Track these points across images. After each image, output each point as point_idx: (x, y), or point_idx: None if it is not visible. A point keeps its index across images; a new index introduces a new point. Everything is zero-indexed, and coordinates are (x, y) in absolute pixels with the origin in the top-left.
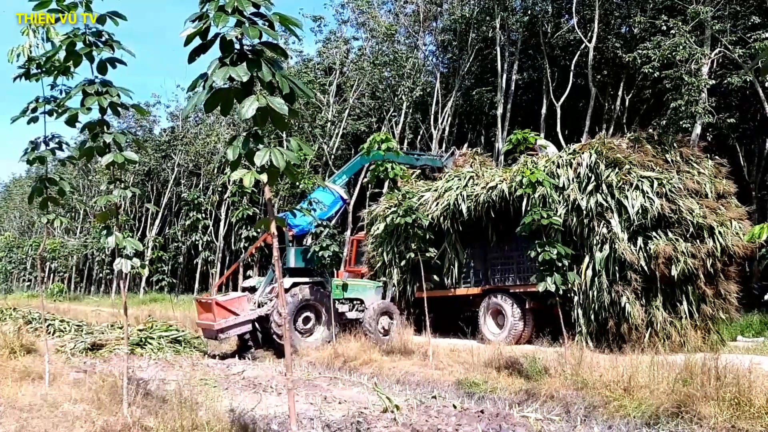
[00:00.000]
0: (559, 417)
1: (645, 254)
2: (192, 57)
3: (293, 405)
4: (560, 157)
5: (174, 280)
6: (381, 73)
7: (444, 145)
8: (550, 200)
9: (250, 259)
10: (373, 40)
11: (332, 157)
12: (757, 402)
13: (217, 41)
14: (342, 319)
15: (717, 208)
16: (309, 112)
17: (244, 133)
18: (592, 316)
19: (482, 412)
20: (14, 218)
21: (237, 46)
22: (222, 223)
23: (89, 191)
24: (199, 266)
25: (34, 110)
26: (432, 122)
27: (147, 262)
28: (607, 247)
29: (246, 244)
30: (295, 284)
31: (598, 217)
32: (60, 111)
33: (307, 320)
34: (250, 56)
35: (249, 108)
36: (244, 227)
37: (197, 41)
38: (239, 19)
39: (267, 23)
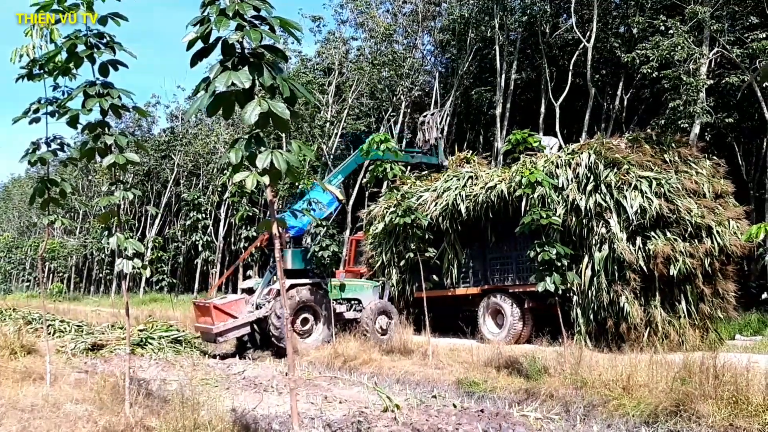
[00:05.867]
0: (558, 416)
1: (644, 254)
2: (194, 61)
3: (295, 405)
4: (559, 157)
5: (174, 280)
6: (380, 73)
7: (437, 128)
8: (549, 200)
9: (250, 260)
10: (371, 40)
11: (331, 157)
12: (754, 400)
13: (219, 45)
14: (340, 319)
15: (715, 207)
16: (308, 112)
17: (246, 136)
18: (591, 316)
19: (482, 411)
20: (13, 218)
21: (238, 49)
22: (222, 223)
23: (89, 191)
24: (199, 266)
25: (36, 111)
26: None
27: (147, 263)
28: (606, 246)
29: (245, 244)
30: (292, 286)
31: (597, 217)
32: (61, 112)
33: (305, 321)
34: (251, 59)
35: (251, 114)
36: (243, 227)
37: (199, 44)
38: (240, 22)
39: (267, 26)
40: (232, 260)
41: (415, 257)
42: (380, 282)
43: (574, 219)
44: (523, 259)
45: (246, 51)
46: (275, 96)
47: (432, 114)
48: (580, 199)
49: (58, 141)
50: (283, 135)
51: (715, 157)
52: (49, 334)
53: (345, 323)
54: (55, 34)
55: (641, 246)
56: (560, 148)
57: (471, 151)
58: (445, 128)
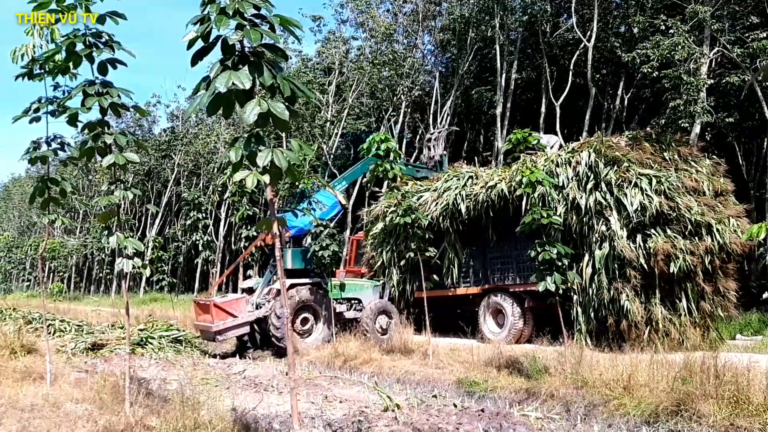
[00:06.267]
0: (559, 416)
1: (644, 252)
2: (194, 60)
3: (296, 404)
4: (559, 155)
5: (174, 280)
6: (380, 72)
7: (443, 145)
8: (550, 199)
9: (250, 259)
10: (372, 39)
11: (331, 156)
12: (755, 400)
13: (219, 43)
14: (340, 318)
15: (715, 205)
16: (308, 112)
17: (246, 135)
18: (592, 314)
19: (483, 410)
20: (13, 218)
21: (238, 48)
22: (222, 223)
23: (89, 191)
24: (199, 266)
25: (37, 110)
26: (431, 122)
27: (147, 262)
28: (606, 245)
29: (246, 244)
30: (292, 285)
31: (598, 216)
32: (61, 111)
33: (305, 321)
34: (251, 59)
35: (251, 113)
36: (244, 227)
37: (200, 43)
38: (240, 21)
39: (268, 25)
40: (233, 260)
41: (416, 257)
42: (380, 282)
43: (574, 217)
44: (523, 259)
45: (246, 50)
46: (275, 95)
47: (439, 132)
48: (581, 197)
49: (59, 140)
50: (283, 134)
51: (715, 157)
52: (49, 333)
53: (345, 323)
54: (55, 34)
55: (641, 244)
56: (561, 146)
57: (469, 160)
58: (445, 128)
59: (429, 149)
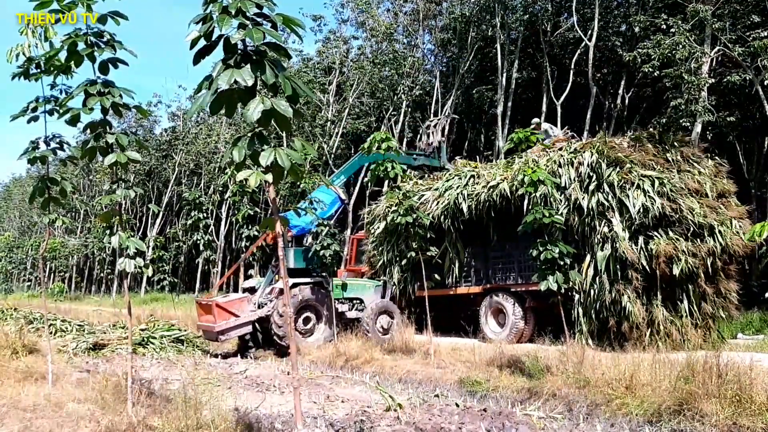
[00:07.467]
0: (561, 415)
1: (646, 253)
2: (197, 59)
3: (299, 404)
4: (561, 155)
5: (175, 280)
6: (380, 72)
7: (441, 132)
8: (551, 199)
9: (251, 259)
10: (372, 39)
11: (332, 156)
12: (758, 399)
13: (221, 42)
14: (342, 318)
15: (717, 207)
16: (309, 112)
17: (249, 134)
18: (593, 315)
19: (485, 410)
20: (14, 218)
21: (240, 46)
22: (223, 223)
23: (90, 191)
24: (200, 266)
25: (35, 110)
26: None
27: (148, 262)
28: (608, 246)
29: (247, 244)
30: (295, 285)
31: (600, 216)
32: (62, 111)
33: (307, 320)
34: (254, 57)
35: (254, 111)
36: (245, 227)
37: (202, 42)
38: (242, 21)
39: (270, 24)
40: (233, 260)
41: (417, 256)
42: (382, 281)
43: (576, 218)
44: (525, 258)
45: (248, 48)
46: (277, 94)
47: (438, 119)
48: (583, 198)
49: (58, 140)
50: (284, 134)
51: (717, 157)
52: (51, 333)
53: (347, 323)
54: (50, 33)
55: (643, 245)
56: (573, 136)
57: (469, 159)
58: (446, 128)
59: (428, 136)
